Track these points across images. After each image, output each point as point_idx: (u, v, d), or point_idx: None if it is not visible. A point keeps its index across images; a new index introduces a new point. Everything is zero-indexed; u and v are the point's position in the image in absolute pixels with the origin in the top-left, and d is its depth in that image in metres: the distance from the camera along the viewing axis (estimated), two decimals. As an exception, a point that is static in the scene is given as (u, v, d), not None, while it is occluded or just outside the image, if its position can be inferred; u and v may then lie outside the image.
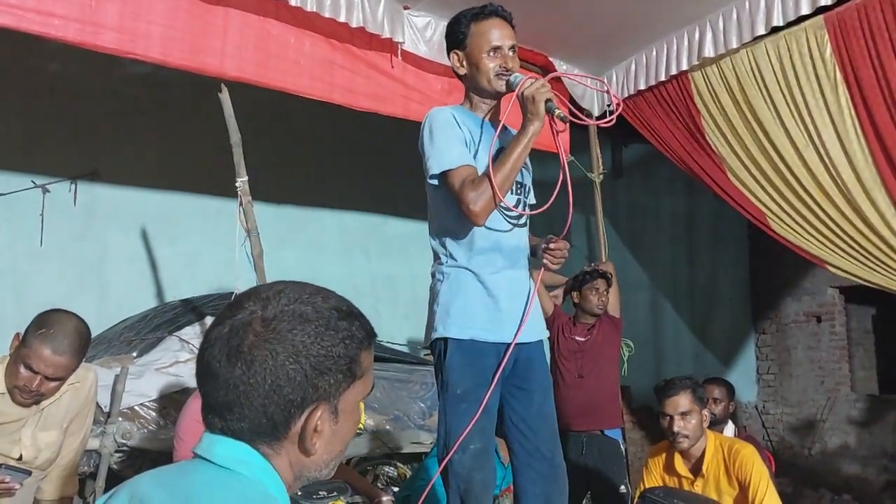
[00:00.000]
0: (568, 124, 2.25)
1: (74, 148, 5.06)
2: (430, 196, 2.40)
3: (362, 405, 1.09)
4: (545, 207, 2.33)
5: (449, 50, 2.41)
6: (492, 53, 2.31)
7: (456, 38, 2.37)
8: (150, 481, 0.99)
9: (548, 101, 2.18)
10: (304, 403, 0.98)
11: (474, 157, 2.29)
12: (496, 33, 2.32)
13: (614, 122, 2.41)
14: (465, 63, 2.36)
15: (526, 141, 2.21)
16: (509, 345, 2.29)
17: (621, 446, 4.07)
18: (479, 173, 2.24)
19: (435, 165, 2.25)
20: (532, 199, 2.48)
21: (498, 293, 2.30)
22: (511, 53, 2.34)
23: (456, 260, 2.32)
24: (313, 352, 0.99)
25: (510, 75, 2.30)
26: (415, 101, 4.20)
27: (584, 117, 2.32)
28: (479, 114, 2.39)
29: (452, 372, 2.26)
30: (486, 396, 2.25)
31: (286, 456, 1.00)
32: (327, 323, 1.02)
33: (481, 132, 2.35)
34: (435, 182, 2.28)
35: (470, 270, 2.30)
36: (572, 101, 4.88)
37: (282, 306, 1.01)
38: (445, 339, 2.29)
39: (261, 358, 0.97)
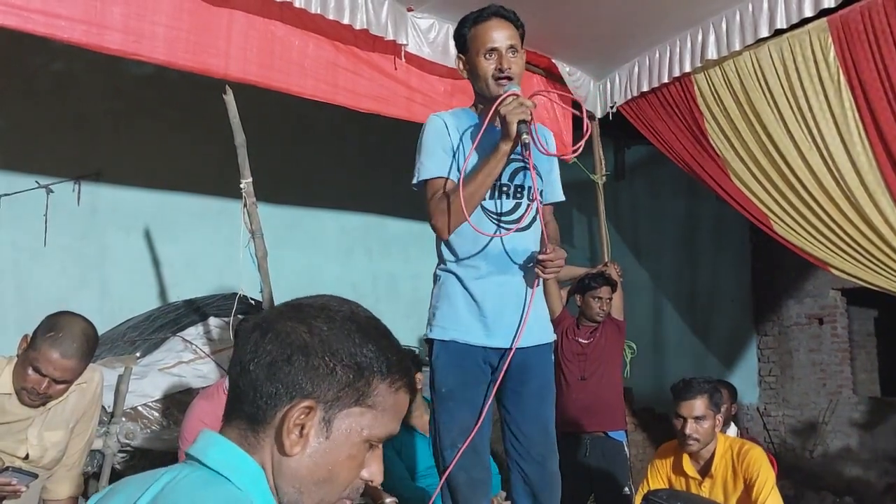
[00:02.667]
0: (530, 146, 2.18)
1: (78, 148, 5.07)
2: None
3: (381, 457, 1.04)
4: (516, 228, 2.30)
5: (456, 55, 2.42)
6: (488, 56, 2.27)
7: (459, 42, 2.37)
8: (137, 483, 0.96)
9: (521, 122, 2.14)
10: (294, 391, 0.94)
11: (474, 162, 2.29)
12: (492, 34, 2.27)
13: (580, 151, 2.35)
14: (466, 67, 2.36)
15: (496, 160, 2.20)
16: (499, 349, 2.31)
17: (625, 448, 4.07)
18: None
19: (416, 174, 2.33)
20: (549, 196, 2.47)
21: (481, 298, 2.31)
22: (511, 55, 2.28)
23: (445, 264, 2.38)
24: (328, 339, 0.96)
25: (507, 81, 2.25)
26: (418, 103, 4.21)
27: (543, 146, 2.25)
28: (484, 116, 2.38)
29: (438, 372, 2.33)
30: (487, 398, 2.29)
31: (269, 451, 0.95)
32: (358, 327, 0.99)
33: (488, 138, 2.31)
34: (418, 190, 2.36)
35: (455, 275, 2.34)
36: (575, 103, 4.89)
37: (320, 300, 1.02)
38: (432, 341, 2.35)
39: (277, 330, 0.97)
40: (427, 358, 2.50)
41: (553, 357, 2.51)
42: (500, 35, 2.27)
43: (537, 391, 2.41)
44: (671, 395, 3.09)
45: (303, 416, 0.94)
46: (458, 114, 2.40)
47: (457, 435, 2.27)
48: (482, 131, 2.25)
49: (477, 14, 2.33)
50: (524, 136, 2.14)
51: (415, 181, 2.33)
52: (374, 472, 1.01)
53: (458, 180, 2.22)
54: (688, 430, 2.97)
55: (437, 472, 2.41)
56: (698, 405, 2.97)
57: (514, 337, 2.31)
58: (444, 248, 2.37)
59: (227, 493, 0.92)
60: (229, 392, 1.01)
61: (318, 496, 0.97)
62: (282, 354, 0.95)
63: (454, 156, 2.30)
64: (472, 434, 2.27)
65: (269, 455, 0.96)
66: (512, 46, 2.28)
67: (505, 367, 2.30)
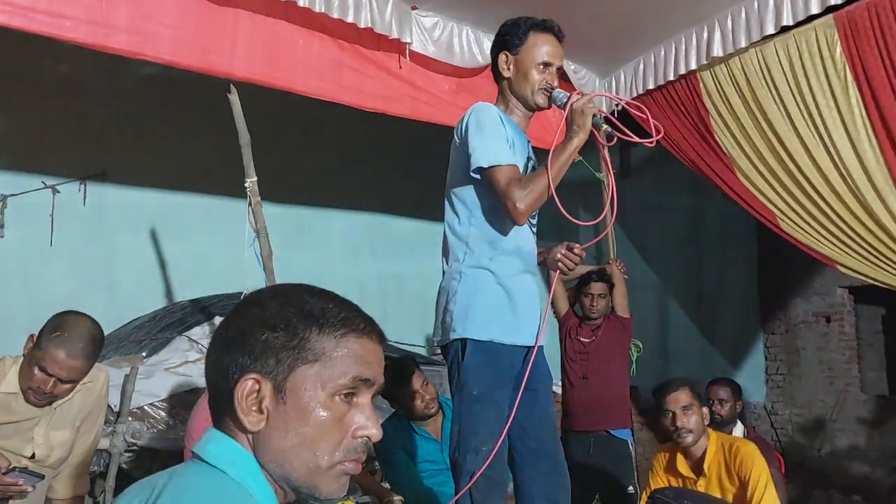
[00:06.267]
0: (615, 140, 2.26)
1: (84, 148, 5.09)
2: (457, 191, 2.38)
3: (368, 410, 1.03)
4: (603, 230, 2.36)
5: (498, 49, 2.44)
6: (541, 67, 2.38)
7: (511, 41, 2.41)
8: (140, 487, 0.98)
9: (594, 115, 2.22)
10: (238, 371, 0.96)
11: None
12: (551, 50, 2.40)
13: (655, 144, 2.43)
14: (511, 67, 2.41)
15: (572, 150, 2.24)
16: (526, 348, 2.32)
17: (630, 446, 4.05)
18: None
19: (483, 159, 2.24)
20: None
21: (516, 296, 2.31)
22: (556, 73, 2.41)
23: (476, 259, 2.31)
24: (256, 318, 0.98)
25: (552, 91, 2.36)
26: (423, 102, 4.20)
27: (629, 133, 2.31)
28: (514, 118, 2.42)
29: (469, 373, 2.26)
30: (517, 399, 2.28)
31: (243, 436, 0.97)
32: (285, 298, 1.00)
33: (521, 142, 2.40)
34: (477, 176, 2.28)
35: (490, 272, 2.30)
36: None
37: (250, 295, 1.05)
38: (464, 340, 2.28)
39: (218, 335, 1.01)
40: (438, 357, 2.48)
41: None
42: (555, 53, 2.41)
43: (546, 388, 2.43)
44: (653, 397, 3.12)
45: (254, 394, 0.95)
46: (499, 111, 2.40)
47: (483, 437, 2.24)
48: (556, 135, 2.26)
49: (539, 22, 2.41)
50: (604, 126, 2.22)
51: (484, 165, 2.23)
52: (363, 424, 0.99)
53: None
54: (679, 423, 2.97)
55: (449, 473, 2.38)
56: (682, 396, 3.00)
57: (537, 335, 2.34)
58: (477, 243, 2.31)
59: (223, 486, 0.93)
60: (209, 407, 1.04)
61: (303, 463, 0.96)
62: (223, 349, 0.98)
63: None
64: (502, 437, 2.24)
65: (244, 440, 0.97)
66: (559, 67, 2.42)
67: (529, 366, 2.30)
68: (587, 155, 4.80)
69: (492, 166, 2.23)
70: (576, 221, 2.37)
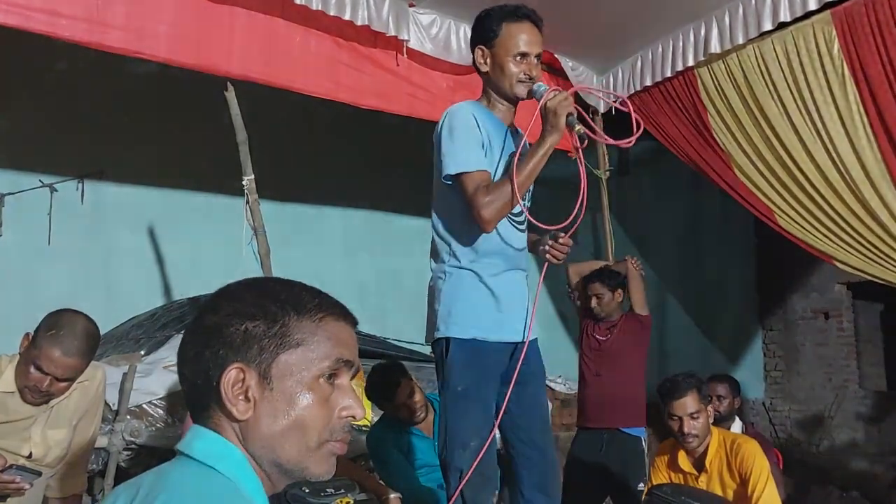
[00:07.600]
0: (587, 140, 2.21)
1: (81, 147, 5.08)
2: (438, 194, 2.39)
3: (362, 393, 1.05)
4: (573, 225, 2.29)
5: (474, 44, 2.38)
6: (518, 58, 2.28)
7: (485, 34, 2.34)
8: (127, 487, 0.98)
9: (569, 115, 2.16)
10: (221, 362, 0.96)
11: (495, 161, 2.30)
12: (526, 38, 2.29)
13: (633, 143, 2.31)
14: (488, 61, 2.34)
15: (543, 152, 2.19)
16: (513, 344, 2.33)
17: (642, 444, 4.06)
18: (493, 178, 2.25)
19: (451, 165, 2.24)
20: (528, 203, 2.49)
21: (499, 294, 2.32)
22: (536, 61, 2.31)
23: (459, 260, 2.33)
24: (232, 310, 0.98)
25: (533, 83, 2.28)
26: (420, 99, 4.20)
27: (603, 135, 2.26)
28: (497, 114, 2.38)
29: (453, 370, 2.28)
30: (503, 394, 2.28)
31: (229, 427, 0.98)
32: (259, 289, 1.02)
33: (503, 137, 2.35)
34: (448, 182, 2.27)
35: (472, 271, 2.32)
36: (576, 98, 4.87)
37: (218, 290, 1.04)
38: (447, 339, 2.30)
39: (191, 330, 1.01)
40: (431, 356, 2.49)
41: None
42: (531, 41, 2.29)
43: (536, 380, 2.43)
44: (658, 396, 3.10)
45: (240, 383, 0.96)
46: (478, 108, 2.36)
47: (470, 434, 2.25)
48: (529, 128, 2.19)
49: (511, 10, 2.32)
50: (577, 127, 2.15)
51: (451, 172, 2.23)
52: (347, 404, 1.01)
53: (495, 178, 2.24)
54: (686, 429, 2.97)
55: (439, 470, 2.40)
56: (690, 402, 2.98)
57: (525, 330, 2.34)
58: (457, 245, 2.32)
59: (211, 483, 0.93)
60: (187, 405, 1.04)
61: (293, 446, 0.98)
62: (201, 343, 0.98)
63: (484, 153, 2.28)
64: (491, 433, 2.26)
65: (230, 431, 0.98)
66: (539, 54, 2.32)
67: (520, 361, 2.30)
68: (586, 152, 4.80)
69: (459, 173, 2.22)
70: (540, 225, 2.28)
